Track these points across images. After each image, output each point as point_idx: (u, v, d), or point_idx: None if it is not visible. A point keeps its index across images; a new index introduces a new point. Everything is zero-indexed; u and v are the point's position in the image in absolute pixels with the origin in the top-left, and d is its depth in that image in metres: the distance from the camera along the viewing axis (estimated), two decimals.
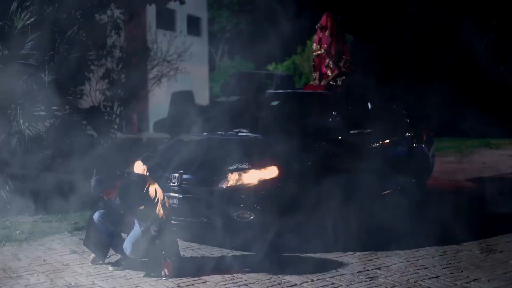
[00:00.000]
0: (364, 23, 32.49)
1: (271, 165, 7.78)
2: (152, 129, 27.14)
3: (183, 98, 28.37)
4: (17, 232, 8.73)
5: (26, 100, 10.01)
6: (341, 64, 10.46)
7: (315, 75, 10.81)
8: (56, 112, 10.57)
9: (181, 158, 8.13)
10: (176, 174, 7.82)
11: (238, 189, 7.65)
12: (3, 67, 9.98)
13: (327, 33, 10.52)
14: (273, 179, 7.71)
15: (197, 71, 31.69)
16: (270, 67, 45.27)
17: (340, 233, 8.11)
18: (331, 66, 10.50)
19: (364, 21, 32.48)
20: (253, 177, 7.70)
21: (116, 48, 15.61)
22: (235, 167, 7.75)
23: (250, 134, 8.98)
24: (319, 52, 10.67)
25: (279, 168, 7.77)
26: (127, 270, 7.00)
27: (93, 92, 16.00)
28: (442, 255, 7.66)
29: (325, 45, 10.53)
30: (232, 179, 7.69)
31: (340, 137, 8.93)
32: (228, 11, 50.10)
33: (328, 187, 8.05)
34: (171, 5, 16.66)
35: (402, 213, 9.19)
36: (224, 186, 7.67)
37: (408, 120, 10.84)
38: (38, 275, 6.88)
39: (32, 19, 10.34)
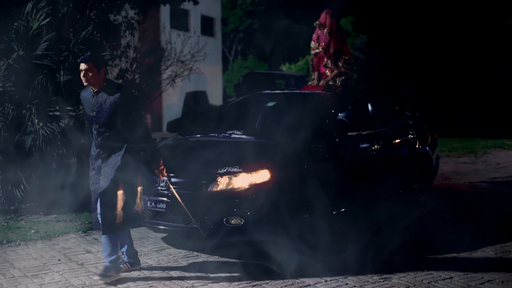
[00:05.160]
0: (379, 23, 32.45)
1: (262, 169, 7.50)
2: (165, 129, 27.17)
3: (196, 98, 28.43)
4: (32, 231, 8.78)
5: (41, 100, 10.06)
6: (340, 64, 10.07)
7: (314, 75, 10.40)
8: (70, 112, 10.62)
9: (170, 161, 7.62)
10: (165, 178, 7.26)
11: (228, 194, 7.37)
12: (19, 67, 10.03)
13: (325, 31, 10.14)
14: (264, 183, 7.43)
15: (210, 71, 31.72)
16: (284, 67, 45.27)
17: (342, 236, 7.99)
18: (330, 65, 10.12)
19: (378, 21, 32.44)
20: (243, 181, 7.42)
21: (130, 48, 15.70)
22: (225, 170, 7.48)
23: (243, 136, 8.72)
24: (317, 50, 10.27)
25: (271, 172, 7.50)
26: (141, 270, 7.04)
27: None
28: (455, 256, 7.64)
29: (323, 43, 10.15)
30: (222, 183, 7.41)
31: (336, 140, 8.57)
32: (241, 11, 50.11)
33: (323, 191, 7.80)
34: (185, 5, 16.70)
35: (405, 215, 9.18)
36: (213, 190, 7.39)
37: (410, 122, 10.47)
38: (53, 275, 6.93)
39: (47, 20, 10.40)
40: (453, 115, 26.86)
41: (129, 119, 6.48)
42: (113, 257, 6.67)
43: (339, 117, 8.99)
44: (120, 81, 15.91)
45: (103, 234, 6.62)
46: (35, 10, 10.42)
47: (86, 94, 6.66)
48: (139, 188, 6.70)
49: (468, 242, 8.14)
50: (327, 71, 10.16)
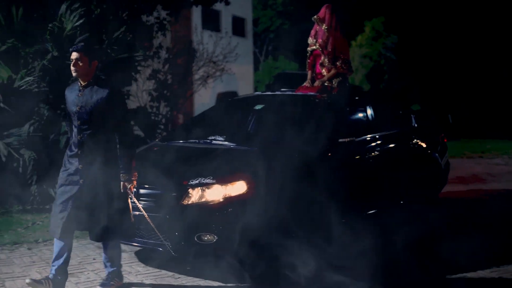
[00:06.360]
0: (409, 24, 32.38)
1: (238, 180, 6.79)
2: None
3: (228, 99, 28.46)
4: None
5: None
6: (338, 64, 9.16)
7: (308, 74, 9.55)
8: None
9: (142, 170, 6.83)
10: (134, 189, 6.55)
11: (200, 208, 6.66)
12: (53, 68, 10.12)
13: (324, 26, 9.24)
14: (240, 196, 6.71)
15: (242, 71, 31.77)
16: None
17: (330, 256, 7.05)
18: (327, 64, 9.21)
19: (409, 22, 32.37)
20: (217, 193, 6.72)
21: (162, 49, 15.75)
22: (197, 181, 6.77)
23: (225, 143, 7.91)
24: (314, 47, 9.35)
25: (248, 183, 6.78)
26: (176, 270, 7.06)
27: (140, 93, 16.21)
28: (479, 267, 7.45)
29: (321, 40, 9.24)
30: (194, 195, 6.71)
31: (327, 147, 7.78)
32: (272, 12, 50.14)
33: (308, 205, 7.23)
34: (217, 6, 16.76)
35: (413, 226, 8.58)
36: (184, 203, 6.69)
37: (416, 125, 9.73)
38: (88, 273, 7.00)
39: (81, 21, 10.49)
40: (485, 116, 26.75)
41: (114, 119, 6.13)
42: (114, 268, 6.48)
43: (333, 121, 8.09)
44: (152, 81, 15.97)
45: (91, 239, 6.37)
46: (69, 11, 10.53)
47: (71, 90, 6.32)
48: (129, 201, 6.32)
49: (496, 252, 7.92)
50: (323, 70, 9.31)
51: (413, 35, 32.98)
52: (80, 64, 6.10)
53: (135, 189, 6.48)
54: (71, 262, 7.35)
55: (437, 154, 9.88)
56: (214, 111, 9.52)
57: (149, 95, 15.81)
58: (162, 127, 14.27)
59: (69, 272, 6.97)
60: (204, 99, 26.64)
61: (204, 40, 19.75)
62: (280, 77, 28.10)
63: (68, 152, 6.26)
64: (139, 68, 13.32)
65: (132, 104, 14.94)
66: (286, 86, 9.52)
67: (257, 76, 43.95)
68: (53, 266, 6.24)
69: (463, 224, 9.40)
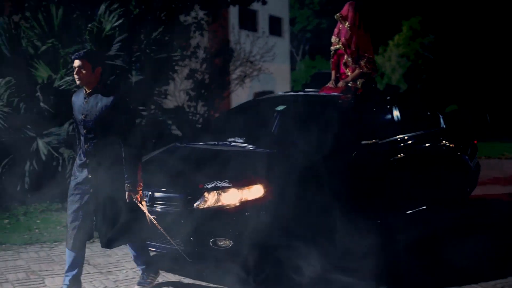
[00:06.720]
0: (447, 23, 32.17)
1: (255, 184, 6.53)
2: None
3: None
4: None
5: None
6: (362, 63, 8.79)
7: (332, 74, 9.16)
8: (142, 112, 10.76)
9: (158, 173, 6.87)
10: (149, 192, 6.60)
11: (215, 212, 6.43)
12: None
13: (346, 24, 8.86)
14: (257, 200, 6.45)
15: (278, 71, 31.77)
16: None
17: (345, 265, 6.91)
18: (351, 64, 8.87)
19: (446, 21, 32.16)
20: (233, 197, 6.48)
21: (199, 48, 15.83)
22: (213, 185, 6.54)
23: (245, 145, 7.63)
24: (337, 46, 8.99)
25: (265, 187, 6.50)
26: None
27: (178, 92, 16.29)
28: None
29: (344, 39, 8.88)
30: (210, 199, 6.47)
31: (349, 150, 7.58)
32: (309, 11, 50.08)
33: (329, 209, 6.87)
34: (253, 5, 16.80)
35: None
36: (200, 207, 6.46)
37: (445, 126, 9.35)
38: (127, 271, 7.05)
39: (120, 21, 10.59)
40: None
41: (120, 127, 5.90)
42: (144, 266, 6.46)
43: (356, 123, 7.95)
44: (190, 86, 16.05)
45: (102, 247, 6.29)
46: (108, 12, 10.63)
47: (78, 97, 6.10)
48: (143, 203, 6.11)
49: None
50: (347, 70, 8.96)
51: (451, 34, 32.74)
52: (83, 71, 5.89)
53: (149, 193, 6.49)
54: (109, 259, 7.47)
55: (467, 157, 9.51)
56: (235, 112, 9.33)
57: (186, 94, 15.90)
58: (199, 126, 14.33)
59: (108, 269, 7.08)
60: (241, 98, 26.67)
61: (241, 40, 19.79)
62: (317, 77, 28.09)
63: (77, 161, 6.14)
64: (176, 67, 13.40)
65: (169, 103, 15.04)
66: (324, 86, 9.38)
67: (294, 76, 43.93)
68: (66, 276, 6.11)
69: (477, 225, 9.23)
